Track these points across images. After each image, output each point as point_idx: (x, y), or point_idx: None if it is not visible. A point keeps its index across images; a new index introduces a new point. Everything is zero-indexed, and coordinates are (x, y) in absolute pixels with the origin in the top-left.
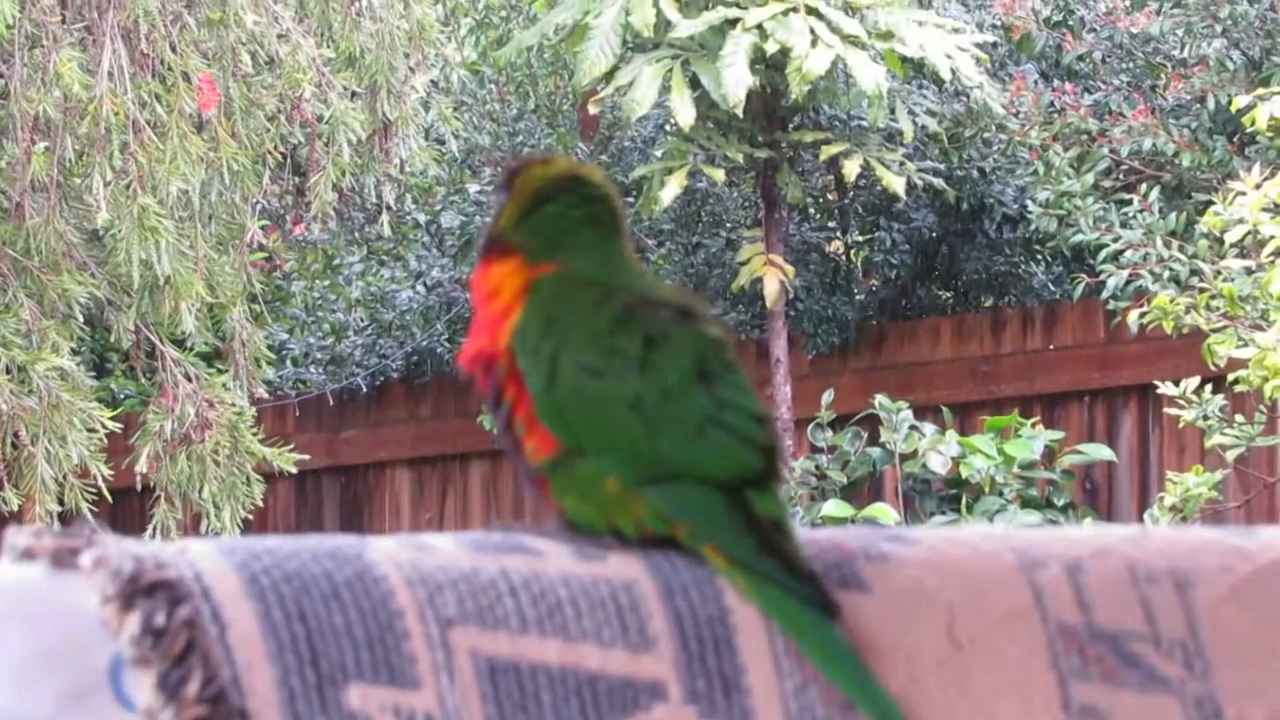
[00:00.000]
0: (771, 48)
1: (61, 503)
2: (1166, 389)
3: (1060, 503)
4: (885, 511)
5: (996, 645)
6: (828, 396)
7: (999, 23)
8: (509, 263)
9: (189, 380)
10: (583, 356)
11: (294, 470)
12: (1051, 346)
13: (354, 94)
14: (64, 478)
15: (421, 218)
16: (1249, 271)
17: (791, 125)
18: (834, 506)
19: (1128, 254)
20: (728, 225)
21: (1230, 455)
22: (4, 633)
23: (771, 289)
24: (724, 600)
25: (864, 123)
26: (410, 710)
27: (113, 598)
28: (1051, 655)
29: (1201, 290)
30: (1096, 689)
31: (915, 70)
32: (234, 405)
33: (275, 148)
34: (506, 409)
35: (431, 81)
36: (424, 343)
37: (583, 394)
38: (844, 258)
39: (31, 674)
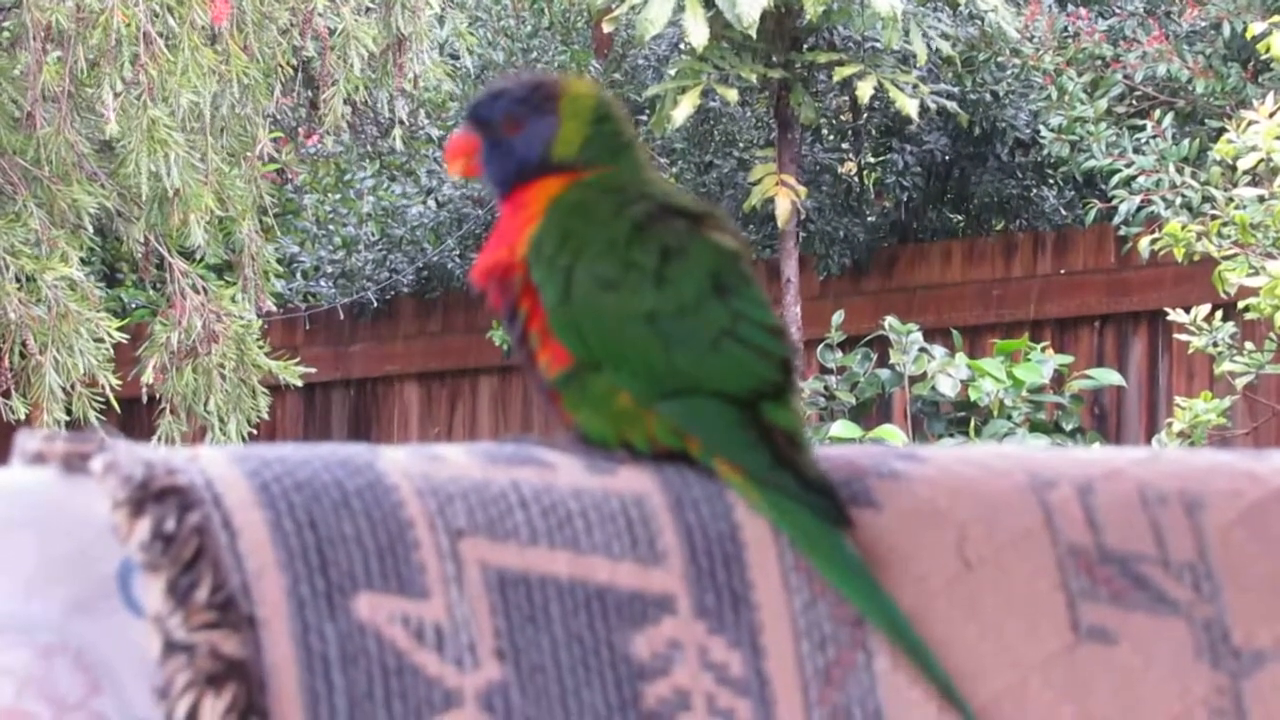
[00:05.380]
0: None
1: (69, 412)
2: (1177, 315)
3: (1069, 427)
4: (894, 433)
5: (1006, 565)
6: (838, 318)
7: None
8: (562, 177)
9: (197, 292)
10: (598, 269)
11: (301, 383)
12: (1062, 271)
13: (367, 8)
14: (72, 387)
15: (434, 133)
16: (1261, 199)
17: (806, 46)
18: (842, 427)
19: (1140, 180)
20: (740, 145)
21: (1239, 382)
22: (14, 538)
23: (783, 209)
24: (734, 516)
25: (878, 44)
26: (419, 620)
27: (123, 503)
28: (1061, 576)
29: (1213, 217)
30: (1105, 610)
31: None
32: (241, 318)
33: (287, 61)
34: (521, 322)
35: None
36: (434, 258)
37: (597, 307)
38: (856, 179)
39: (41, 578)
